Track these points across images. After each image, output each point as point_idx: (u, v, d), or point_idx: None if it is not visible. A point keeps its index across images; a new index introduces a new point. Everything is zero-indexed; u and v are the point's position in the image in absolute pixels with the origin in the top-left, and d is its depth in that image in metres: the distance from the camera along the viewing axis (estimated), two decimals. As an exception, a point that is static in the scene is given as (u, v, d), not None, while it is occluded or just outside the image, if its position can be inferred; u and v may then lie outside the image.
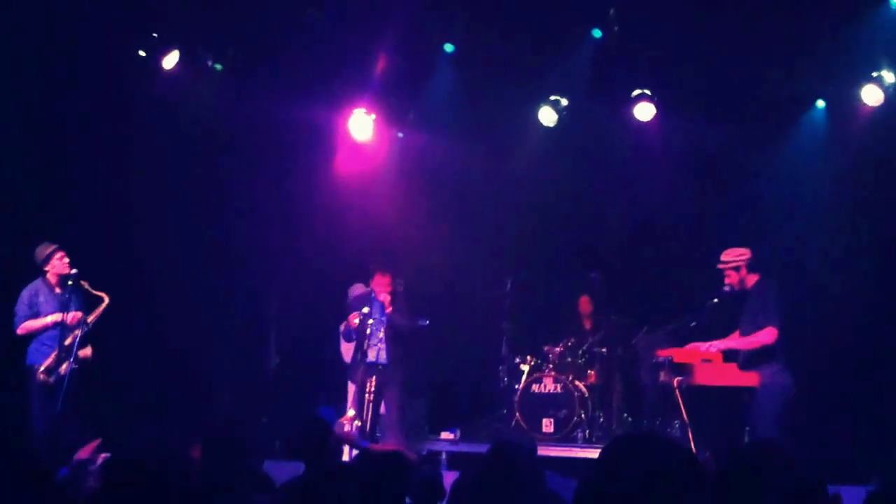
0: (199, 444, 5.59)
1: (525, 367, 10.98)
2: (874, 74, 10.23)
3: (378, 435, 9.52)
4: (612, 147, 11.48)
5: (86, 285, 8.76)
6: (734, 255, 8.45)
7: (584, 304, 11.63)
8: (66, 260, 8.82)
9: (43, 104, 9.59)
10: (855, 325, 10.28)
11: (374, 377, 9.48)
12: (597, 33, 10.42)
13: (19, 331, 8.73)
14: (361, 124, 11.40)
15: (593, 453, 8.97)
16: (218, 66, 10.74)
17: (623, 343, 10.87)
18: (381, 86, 11.15)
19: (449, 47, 10.96)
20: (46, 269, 8.81)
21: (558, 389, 10.59)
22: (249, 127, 11.10)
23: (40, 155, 9.67)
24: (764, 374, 8.14)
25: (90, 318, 8.78)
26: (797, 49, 9.92)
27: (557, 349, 10.96)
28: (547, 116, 11.33)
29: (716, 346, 8.43)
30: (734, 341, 8.43)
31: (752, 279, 8.40)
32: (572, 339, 11.08)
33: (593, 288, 11.44)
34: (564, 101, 11.29)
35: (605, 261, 11.63)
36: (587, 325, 11.52)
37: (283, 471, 6.60)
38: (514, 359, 11.11)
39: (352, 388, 9.91)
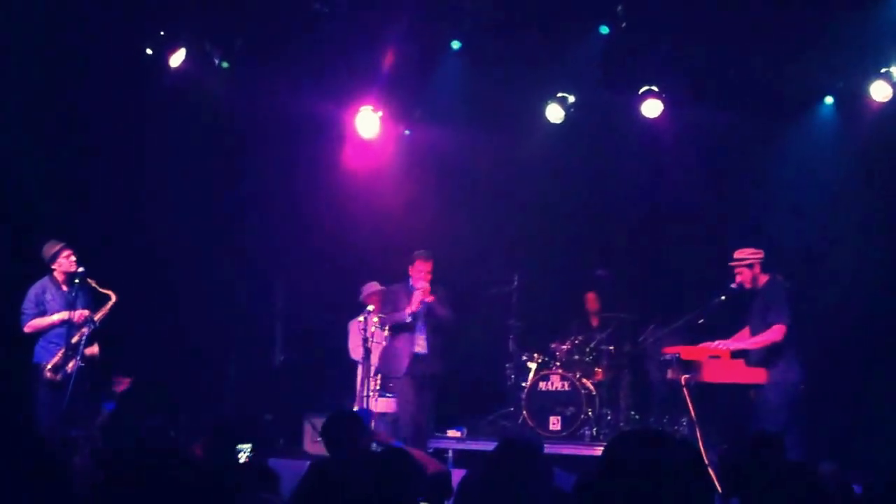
0: (202, 441, 5.59)
1: (532, 365, 10.96)
2: (883, 70, 10.20)
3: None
4: (620, 143, 11.47)
5: (93, 283, 8.76)
6: (748, 254, 8.45)
7: (592, 301, 11.61)
8: (73, 258, 8.81)
9: (50, 103, 9.58)
10: (864, 320, 10.24)
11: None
12: (604, 29, 10.39)
13: (26, 329, 8.73)
14: (368, 122, 11.40)
15: (601, 451, 8.94)
16: (225, 64, 10.74)
17: (630, 340, 10.85)
18: (388, 82, 11.14)
19: (456, 44, 10.95)
20: (53, 267, 8.80)
21: (565, 387, 10.57)
22: (256, 124, 11.11)
23: (46, 152, 9.66)
24: (772, 371, 8.14)
25: (97, 316, 8.78)
26: (806, 45, 9.89)
27: (565, 346, 10.94)
28: (554, 113, 11.32)
29: (725, 345, 8.42)
30: (744, 342, 8.42)
31: (763, 278, 8.40)
32: (580, 337, 11.06)
33: (601, 285, 11.43)
34: (572, 98, 11.28)
35: (613, 258, 11.61)
36: (594, 322, 11.50)
37: (287, 469, 6.61)
38: (521, 356, 11.09)
39: (359, 384, 9.91)
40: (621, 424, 10.62)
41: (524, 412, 10.57)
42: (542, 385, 10.66)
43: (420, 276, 9.39)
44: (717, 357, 8.35)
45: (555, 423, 10.45)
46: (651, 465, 2.40)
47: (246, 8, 10.17)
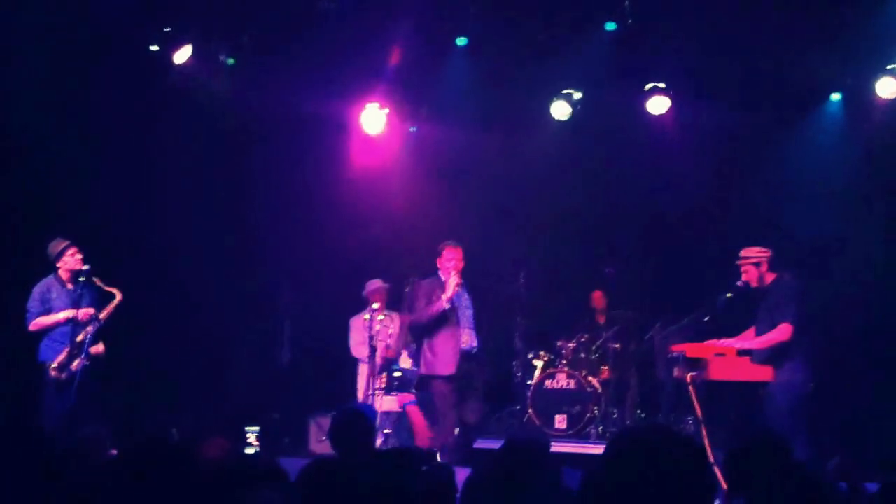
0: (214, 440, 5.56)
1: (538, 363, 10.96)
2: (890, 67, 10.15)
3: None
4: (627, 140, 11.44)
5: (98, 281, 8.74)
6: (754, 252, 8.40)
7: (598, 298, 11.59)
8: (79, 256, 8.80)
9: (55, 100, 9.58)
10: (875, 315, 10.23)
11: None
12: (610, 26, 10.36)
13: (31, 327, 8.72)
14: (374, 118, 11.39)
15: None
16: (231, 61, 10.74)
17: (637, 338, 10.84)
18: (394, 79, 11.13)
19: (462, 41, 10.93)
20: (59, 265, 8.79)
21: (572, 385, 10.55)
22: (262, 120, 11.12)
23: (51, 149, 9.66)
24: (779, 371, 8.09)
25: (102, 315, 8.76)
26: (813, 41, 9.86)
27: (571, 344, 10.92)
28: (560, 110, 11.29)
29: (730, 343, 8.39)
30: (750, 342, 8.38)
31: (770, 277, 8.35)
32: (586, 335, 11.05)
33: (607, 283, 11.41)
34: (578, 95, 11.25)
35: (619, 255, 11.59)
36: (601, 320, 11.49)
37: (292, 468, 6.57)
38: (527, 354, 11.08)
39: (362, 385, 9.88)
40: (627, 422, 10.63)
41: (530, 410, 10.56)
42: (548, 383, 10.65)
43: (451, 266, 9.18)
44: (723, 355, 8.32)
45: (561, 421, 10.44)
46: (653, 463, 2.39)
47: (252, 4, 10.17)
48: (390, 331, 10.05)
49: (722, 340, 8.42)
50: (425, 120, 12.00)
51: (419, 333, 9.30)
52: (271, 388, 11.66)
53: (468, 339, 9.32)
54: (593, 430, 10.45)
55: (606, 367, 10.89)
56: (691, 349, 8.47)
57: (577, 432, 10.33)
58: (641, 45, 10.42)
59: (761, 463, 3.62)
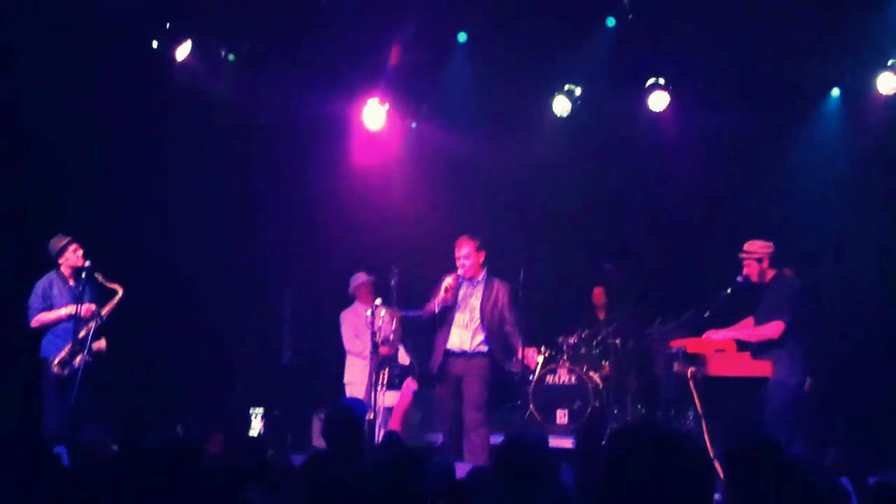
0: (218, 437, 5.59)
1: (539, 358, 10.95)
2: (890, 62, 10.17)
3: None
4: (628, 137, 11.45)
5: (100, 277, 8.74)
6: (758, 247, 8.37)
7: (599, 295, 11.60)
8: (80, 252, 8.80)
9: (56, 99, 9.58)
10: (878, 314, 10.24)
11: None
12: (611, 22, 10.37)
13: (33, 323, 8.73)
14: (375, 114, 11.38)
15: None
16: (231, 57, 10.74)
17: (638, 334, 10.84)
18: (395, 76, 11.14)
19: (462, 37, 10.93)
20: (60, 261, 8.79)
21: (573, 381, 10.57)
22: (262, 117, 11.10)
23: (52, 148, 9.67)
24: (774, 368, 8.09)
25: (104, 311, 8.76)
26: (812, 37, 9.86)
27: (572, 340, 10.93)
28: (561, 106, 11.29)
29: (723, 333, 8.42)
30: (739, 331, 8.40)
31: (770, 273, 8.34)
32: (587, 331, 11.06)
33: (608, 279, 11.41)
34: (579, 91, 11.26)
35: (620, 251, 11.59)
36: (601, 316, 11.50)
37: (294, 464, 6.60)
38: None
39: (351, 378, 9.87)
40: (628, 418, 10.62)
41: (531, 406, 10.58)
42: (549, 379, 10.67)
43: (458, 263, 8.79)
44: (724, 350, 8.34)
45: (562, 416, 10.46)
46: (652, 458, 2.40)
47: (252, 0, 10.16)
48: (392, 326, 10.01)
49: (718, 330, 8.44)
50: (426, 116, 12.00)
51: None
52: (274, 383, 11.67)
53: (460, 340, 8.86)
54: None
55: (607, 363, 10.89)
56: (692, 344, 8.48)
57: (578, 427, 10.35)
58: (642, 41, 10.43)
59: (757, 462, 3.64)
